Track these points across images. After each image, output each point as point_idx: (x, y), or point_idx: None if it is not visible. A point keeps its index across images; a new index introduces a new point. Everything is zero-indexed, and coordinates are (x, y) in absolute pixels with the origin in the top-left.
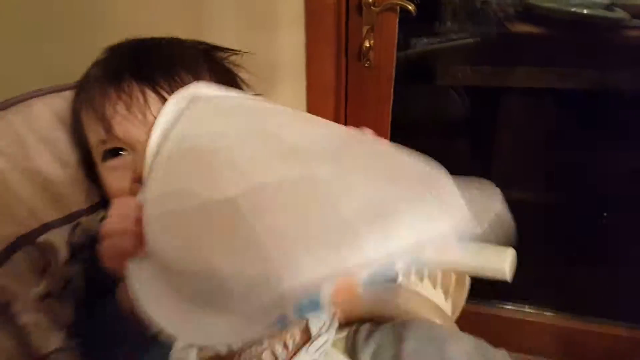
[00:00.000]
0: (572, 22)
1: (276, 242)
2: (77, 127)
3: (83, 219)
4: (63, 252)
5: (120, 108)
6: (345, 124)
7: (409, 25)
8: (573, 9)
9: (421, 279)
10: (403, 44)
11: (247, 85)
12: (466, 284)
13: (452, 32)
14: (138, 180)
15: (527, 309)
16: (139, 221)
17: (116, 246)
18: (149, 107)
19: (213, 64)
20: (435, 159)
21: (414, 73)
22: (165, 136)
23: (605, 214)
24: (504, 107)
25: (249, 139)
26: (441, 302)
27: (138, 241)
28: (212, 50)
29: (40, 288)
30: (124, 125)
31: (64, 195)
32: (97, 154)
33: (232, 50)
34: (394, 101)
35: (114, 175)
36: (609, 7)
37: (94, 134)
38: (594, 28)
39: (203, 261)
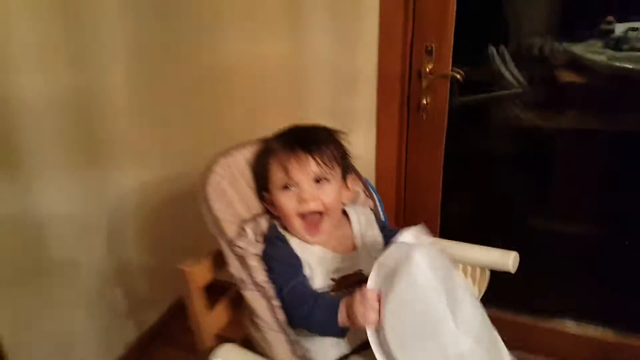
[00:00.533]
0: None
1: None
2: (262, 170)
3: (257, 219)
4: (252, 236)
5: (293, 163)
6: (407, 162)
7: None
8: (617, 64)
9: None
10: (460, 93)
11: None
12: (487, 275)
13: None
14: (298, 199)
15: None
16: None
17: (366, 319)
18: (309, 164)
19: (336, 139)
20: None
21: (471, 116)
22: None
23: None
24: (551, 146)
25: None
26: (470, 287)
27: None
28: (334, 132)
29: (255, 249)
30: (295, 172)
31: (249, 204)
32: (277, 186)
33: (342, 131)
34: (452, 140)
35: (286, 198)
36: None
37: (278, 175)
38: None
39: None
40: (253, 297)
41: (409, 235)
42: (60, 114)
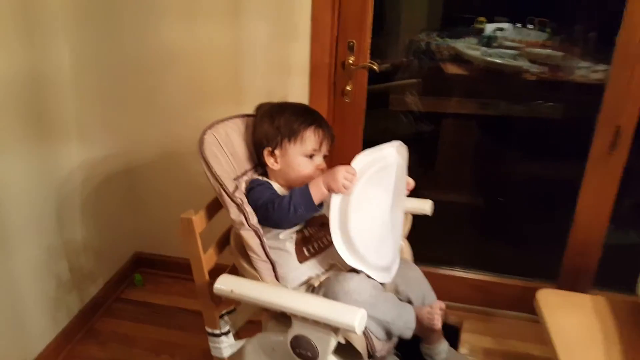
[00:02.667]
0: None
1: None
2: (284, 132)
3: (238, 180)
4: (244, 186)
5: (325, 140)
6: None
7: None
8: (489, 58)
9: None
10: (371, 81)
11: None
12: (409, 219)
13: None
14: (317, 168)
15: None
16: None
17: (339, 184)
18: (329, 144)
19: None
20: None
21: (376, 101)
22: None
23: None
24: (441, 127)
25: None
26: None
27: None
28: None
29: (242, 197)
30: (324, 147)
31: (232, 168)
32: (303, 152)
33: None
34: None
35: (310, 164)
36: (515, 57)
37: (311, 145)
38: (503, 72)
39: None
40: (248, 236)
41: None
42: (8, 90)
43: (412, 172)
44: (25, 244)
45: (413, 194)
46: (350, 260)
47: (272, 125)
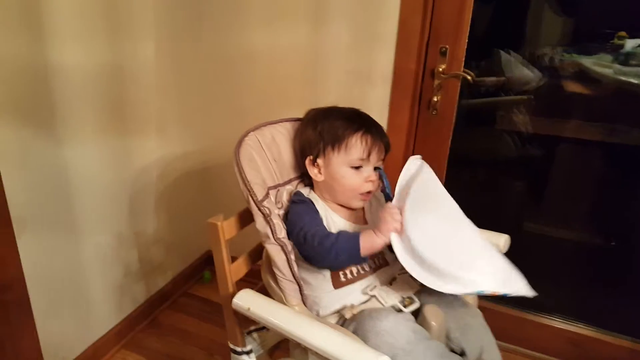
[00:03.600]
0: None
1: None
2: (327, 139)
3: (279, 188)
4: (285, 197)
5: (376, 148)
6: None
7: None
8: (623, 78)
9: None
10: (468, 94)
11: None
12: None
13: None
14: (366, 180)
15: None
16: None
17: (390, 226)
18: (382, 153)
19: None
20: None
21: (479, 118)
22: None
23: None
24: (554, 152)
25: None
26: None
27: (400, 228)
28: None
29: (280, 210)
30: (374, 156)
31: (273, 175)
32: (349, 162)
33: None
34: (456, 140)
35: (357, 176)
36: None
37: (358, 153)
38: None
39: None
40: (274, 250)
41: (415, 160)
42: (94, 83)
43: (516, 199)
44: (97, 230)
45: (493, 225)
46: (435, 284)
47: (314, 130)
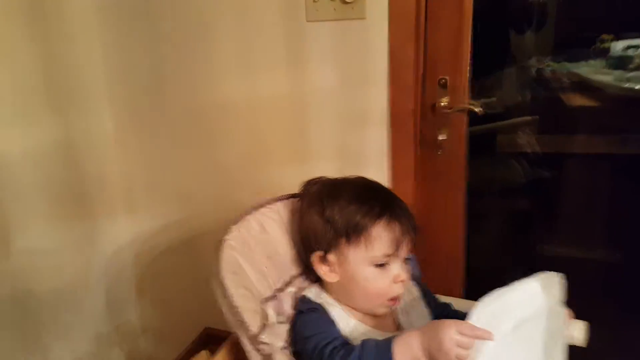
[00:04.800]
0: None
1: None
2: (338, 229)
3: (277, 295)
4: (273, 317)
5: (404, 239)
6: (424, 201)
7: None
8: (626, 84)
9: None
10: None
11: None
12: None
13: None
14: (395, 281)
15: None
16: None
17: (454, 350)
18: (411, 243)
19: None
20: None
21: (477, 146)
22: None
23: None
24: (564, 171)
25: None
26: None
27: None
28: None
29: (281, 343)
30: (402, 249)
31: (268, 279)
32: (372, 259)
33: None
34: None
35: (382, 275)
36: None
37: (384, 246)
38: None
39: None
40: None
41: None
42: (42, 165)
43: (530, 224)
44: (69, 332)
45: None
46: None
47: (321, 217)
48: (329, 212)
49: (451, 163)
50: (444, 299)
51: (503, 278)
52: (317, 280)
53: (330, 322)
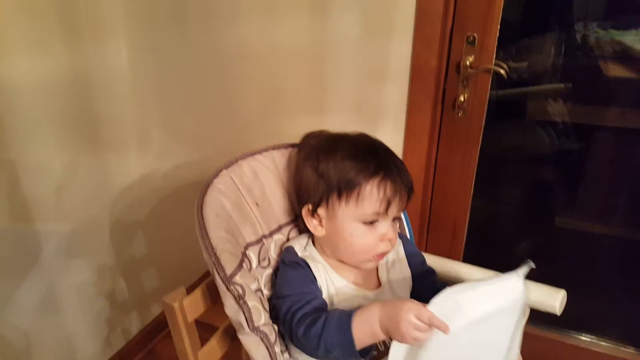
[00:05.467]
0: None
1: None
2: (331, 184)
3: (264, 241)
4: (255, 261)
5: (397, 199)
6: (436, 163)
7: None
8: None
9: None
10: (496, 84)
11: None
12: (526, 314)
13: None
14: (382, 239)
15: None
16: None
17: (409, 334)
18: (404, 202)
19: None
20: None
21: (507, 110)
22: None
23: None
24: (592, 143)
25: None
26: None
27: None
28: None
29: (255, 284)
30: (393, 209)
31: (255, 225)
32: (362, 217)
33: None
34: (486, 138)
35: (369, 233)
36: None
37: (374, 205)
38: None
39: None
40: (251, 343)
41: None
42: (56, 97)
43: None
44: (73, 262)
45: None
46: None
47: (315, 171)
48: (323, 167)
49: (470, 126)
50: (441, 262)
51: (513, 247)
52: (306, 230)
53: (309, 281)
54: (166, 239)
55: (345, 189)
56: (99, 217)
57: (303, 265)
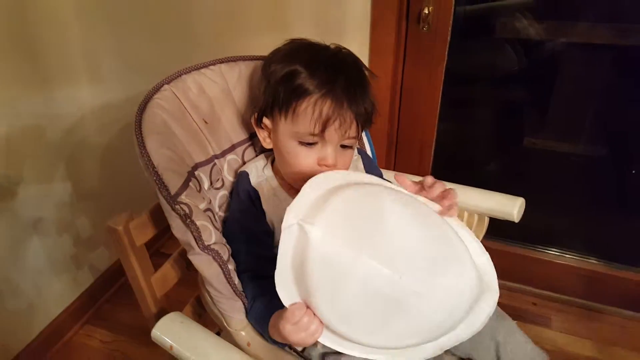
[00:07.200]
0: None
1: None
2: (276, 99)
3: (216, 161)
4: (206, 182)
5: (336, 123)
6: (402, 81)
7: None
8: None
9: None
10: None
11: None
12: (485, 223)
13: None
14: (319, 163)
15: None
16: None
17: (300, 339)
18: (350, 128)
19: (372, 93)
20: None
21: (472, 27)
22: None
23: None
24: (561, 61)
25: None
26: None
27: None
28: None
29: (204, 204)
30: (332, 132)
31: (205, 144)
32: (298, 136)
33: (368, 69)
34: (450, 54)
35: (305, 154)
36: None
37: (308, 125)
38: None
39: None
40: (202, 262)
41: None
42: None
43: (520, 114)
44: (33, 199)
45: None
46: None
47: (265, 77)
48: (272, 75)
49: (435, 41)
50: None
51: (481, 166)
52: (263, 151)
53: (252, 219)
54: (127, 171)
55: (284, 102)
56: (53, 148)
57: (252, 198)
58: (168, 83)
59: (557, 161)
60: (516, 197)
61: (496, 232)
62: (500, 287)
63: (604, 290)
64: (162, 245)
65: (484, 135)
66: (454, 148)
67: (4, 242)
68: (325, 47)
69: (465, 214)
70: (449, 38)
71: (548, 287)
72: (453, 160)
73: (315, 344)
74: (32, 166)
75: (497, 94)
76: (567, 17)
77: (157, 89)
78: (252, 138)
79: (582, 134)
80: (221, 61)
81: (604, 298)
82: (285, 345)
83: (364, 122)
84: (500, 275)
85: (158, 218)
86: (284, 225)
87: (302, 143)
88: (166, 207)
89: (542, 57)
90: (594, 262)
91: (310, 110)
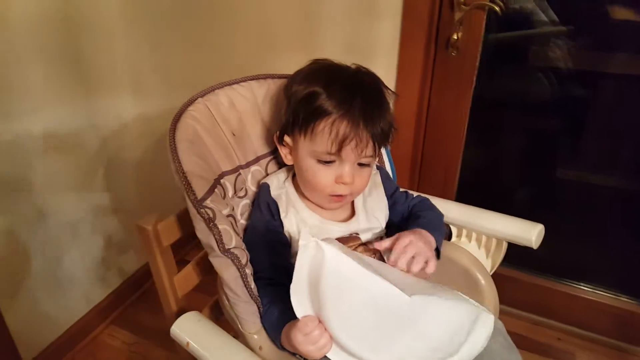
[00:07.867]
0: None
1: None
2: (297, 120)
3: (241, 171)
4: (230, 190)
5: (352, 143)
6: (429, 104)
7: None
8: None
9: (469, 240)
10: (496, 28)
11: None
12: (503, 247)
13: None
14: (337, 181)
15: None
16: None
17: (310, 351)
18: (366, 147)
19: (391, 112)
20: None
21: (504, 53)
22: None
23: None
24: (596, 91)
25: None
26: (482, 259)
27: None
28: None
29: (227, 210)
30: (348, 152)
31: (231, 154)
32: (317, 155)
33: (388, 88)
34: (481, 80)
35: (324, 172)
36: None
37: (325, 144)
38: None
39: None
40: (221, 265)
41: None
42: (43, 32)
43: (553, 143)
44: (69, 204)
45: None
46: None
47: (286, 97)
48: (293, 94)
49: (464, 66)
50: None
51: (508, 195)
52: (286, 164)
53: (275, 229)
54: (160, 181)
55: (303, 122)
56: (92, 155)
57: (271, 209)
58: (202, 97)
59: (590, 193)
60: (536, 223)
61: (521, 262)
62: (524, 319)
63: (634, 330)
64: (186, 253)
65: (514, 162)
66: (483, 174)
67: (41, 243)
68: (346, 68)
69: (484, 238)
70: (477, 64)
71: (574, 322)
72: (481, 186)
73: (324, 358)
74: (71, 172)
75: (529, 121)
76: (604, 48)
77: (191, 101)
78: (276, 151)
79: (618, 166)
80: (252, 78)
81: (634, 339)
82: (295, 354)
83: (381, 141)
84: (525, 307)
85: (184, 221)
86: (301, 242)
87: (320, 161)
88: (192, 210)
89: (576, 87)
90: (626, 300)
91: (328, 130)
